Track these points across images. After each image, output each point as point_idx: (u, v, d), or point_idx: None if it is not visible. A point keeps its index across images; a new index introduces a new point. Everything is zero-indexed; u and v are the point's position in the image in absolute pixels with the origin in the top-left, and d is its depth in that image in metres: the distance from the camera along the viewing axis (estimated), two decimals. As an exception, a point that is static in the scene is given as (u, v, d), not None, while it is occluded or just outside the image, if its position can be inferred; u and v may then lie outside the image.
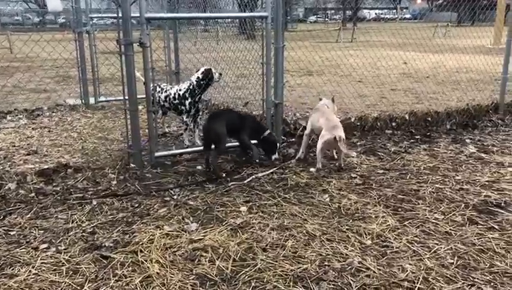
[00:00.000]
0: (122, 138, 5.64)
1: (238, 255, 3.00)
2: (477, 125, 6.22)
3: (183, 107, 5.24)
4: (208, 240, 3.18)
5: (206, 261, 2.95)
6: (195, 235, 3.27)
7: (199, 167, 4.68)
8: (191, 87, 5.18)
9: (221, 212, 3.66)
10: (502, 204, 3.76)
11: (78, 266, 2.91)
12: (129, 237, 3.28)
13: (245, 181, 4.30)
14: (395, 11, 60.13)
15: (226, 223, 3.45)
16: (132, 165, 4.59)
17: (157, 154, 4.77)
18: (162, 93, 5.38)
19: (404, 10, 64.55)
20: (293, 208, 3.72)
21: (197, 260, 2.96)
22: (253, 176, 4.40)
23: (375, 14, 59.60)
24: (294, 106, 7.42)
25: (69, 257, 3.01)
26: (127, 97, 4.56)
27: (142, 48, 4.41)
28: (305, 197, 3.94)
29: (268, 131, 4.90)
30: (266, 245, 3.13)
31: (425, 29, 19.24)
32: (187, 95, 5.19)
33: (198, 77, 5.16)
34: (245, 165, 4.74)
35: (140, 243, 3.17)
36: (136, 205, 3.80)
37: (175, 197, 3.95)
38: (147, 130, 4.88)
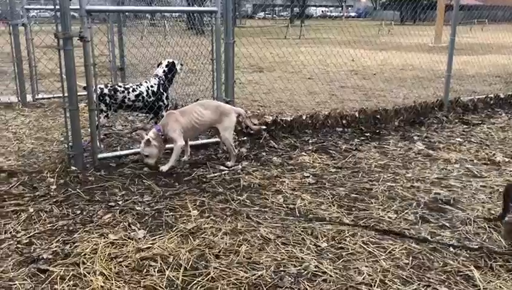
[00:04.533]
0: (62, 139, 5.28)
1: (190, 264, 2.83)
2: (423, 122, 6.36)
3: (161, 103, 5.21)
4: (157, 248, 2.99)
5: (155, 271, 2.76)
6: (143, 243, 3.07)
7: (146, 169, 4.44)
8: (161, 81, 5.18)
9: (171, 217, 3.46)
10: (451, 201, 3.81)
11: (11, 283, 2.63)
12: (70, 247, 3.02)
13: (196, 183, 4.13)
14: (340, 9, 61.48)
15: (176, 229, 3.27)
16: (73, 168, 4.29)
17: (100, 155, 4.48)
18: (127, 92, 5.08)
19: (350, 8, 66.14)
20: (246, 210, 3.59)
21: (145, 270, 2.76)
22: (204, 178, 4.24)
23: (322, 11, 60.65)
24: (245, 103, 7.29)
25: (1, 272, 2.73)
26: (66, 94, 4.24)
27: (83, 42, 4.11)
28: (258, 199, 3.82)
29: None
30: (219, 251, 2.98)
31: (370, 27, 19.76)
32: (162, 90, 5.18)
33: (164, 70, 5.21)
34: (196, 166, 4.56)
35: (83, 253, 2.93)
36: (78, 212, 3.53)
37: (120, 202, 3.70)
38: (89, 130, 4.58)
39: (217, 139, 5.07)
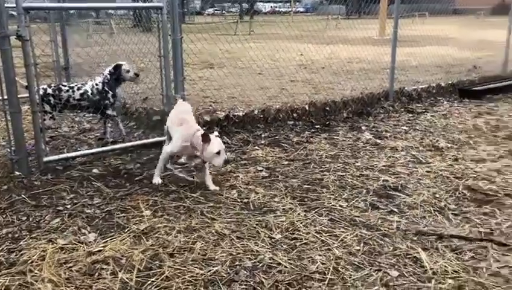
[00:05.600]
0: (4, 143, 5.03)
1: (143, 264, 2.79)
2: (371, 112, 6.56)
3: (107, 101, 5.03)
4: (109, 251, 2.92)
5: (107, 274, 2.69)
6: (94, 246, 2.98)
7: (96, 171, 4.32)
8: (105, 80, 5.02)
9: (123, 218, 3.39)
10: (399, 187, 3.96)
11: (-49, 297, 2.49)
12: (16, 255, 2.89)
13: (148, 182, 4.05)
14: (289, 4, 62.09)
15: (128, 230, 3.20)
16: (17, 173, 4.10)
17: (46, 159, 4.31)
18: (72, 91, 4.90)
19: (298, 4, 66.93)
20: (200, 207, 3.57)
21: (97, 274, 2.69)
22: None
23: (271, 7, 61.03)
24: (196, 100, 7.23)
25: None
26: (6, 97, 4.04)
27: (21, 41, 3.93)
28: (212, 195, 3.80)
29: None
30: (173, 250, 2.95)
31: (317, 22, 20.09)
32: (107, 88, 5.01)
33: (110, 71, 5.06)
34: (147, 165, 4.47)
35: (30, 261, 2.81)
36: (24, 218, 3.38)
37: (69, 206, 3.58)
38: (33, 133, 4.38)
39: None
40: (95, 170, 4.33)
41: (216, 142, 3.72)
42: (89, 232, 3.16)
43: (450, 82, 8.26)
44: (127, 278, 2.65)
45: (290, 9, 53.03)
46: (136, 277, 2.66)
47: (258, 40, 14.55)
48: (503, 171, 4.30)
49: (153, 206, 3.59)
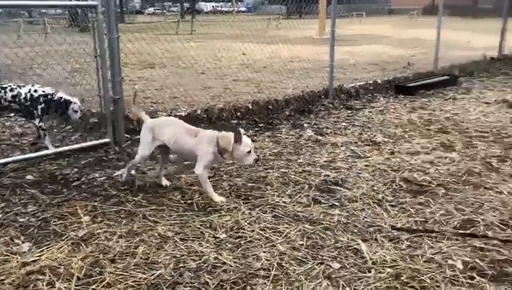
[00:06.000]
0: None
1: (83, 272, 2.68)
2: (312, 110, 6.70)
3: (35, 111, 4.64)
4: (45, 260, 2.78)
5: (43, 285, 2.56)
6: (29, 256, 2.83)
7: (30, 177, 4.10)
8: (47, 95, 4.66)
9: (60, 225, 3.24)
10: (339, 182, 4.06)
11: None
12: None
13: (87, 187, 3.91)
14: (230, 3, 62.11)
15: (66, 238, 3.06)
16: None
17: (-27, 167, 4.04)
18: (4, 92, 4.53)
19: (240, 3, 67.15)
20: (142, 210, 3.48)
21: (32, 285, 2.55)
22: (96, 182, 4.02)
23: (212, 6, 60.85)
24: (136, 101, 7.04)
25: None
26: None
27: None
28: (155, 197, 3.73)
29: None
30: (114, 255, 2.85)
31: (259, 22, 20.25)
32: (41, 100, 4.63)
33: (58, 99, 4.70)
34: (85, 170, 4.31)
35: (-44, 277, 2.62)
36: (-51, 231, 3.15)
37: (0, 215, 3.37)
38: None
39: (106, 140, 4.87)
40: (29, 177, 4.12)
41: (247, 142, 3.59)
42: (23, 242, 3.00)
43: (386, 79, 8.61)
44: (65, 288, 2.53)
45: (231, 9, 53.06)
46: (75, 286, 2.55)
47: (200, 39, 14.46)
48: (436, 162, 4.53)
49: (92, 211, 3.46)
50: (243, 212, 3.45)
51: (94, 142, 4.87)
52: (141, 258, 2.83)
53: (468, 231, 3.16)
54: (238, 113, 6.12)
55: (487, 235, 3.09)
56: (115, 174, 4.18)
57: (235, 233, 3.15)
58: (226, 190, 3.89)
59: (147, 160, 3.94)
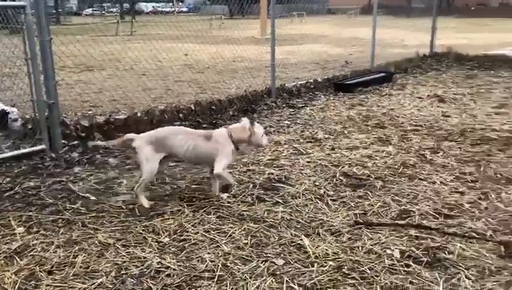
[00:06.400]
0: None
1: (17, 287, 2.54)
2: (255, 109, 6.75)
3: None
4: (-25, 277, 2.61)
5: (-27, 303, 2.41)
6: (-44, 274, 2.65)
7: (-44, 189, 3.84)
8: None
9: (-9, 239, 3.06)
10: (283, 179, 4.12)
11: None
12: None
13: (21, 197, 3.71)
14: (171, 4, 61.26)
15: (-2, 252, 2.90)
16: None
17: None
18: None
19: (181, 4, 66.37)
20: (81, 218, 3.36)
21: (-40, 305, 2.40)
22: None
23: (153, 7, 59.73)
24: (74, 105, 6.81)
25: None
26: None
27: None
28: (94, 204, 3.60)
29: None
30: (52, 267, 2.73)
31: (201, 22, 20.13)
32: None
33: None
34: (19, 179, 4.10)
35: None
36: None
37: None
38: None
39: (42, 147, 4.65)
40: (-45, 189, 3.86)
41: (257, 125, 3.77)
42: (-51, 260, 2.80)
43: (326, 77, 8.83)
44: (-3, 305, 2.40)
45: (172, 9, 52.37)
46: (8, 302, 2.42)
47: (140, 40, 14.15)
48: (374, 156, 4.70)
49: (26, 222, 3.29)
50: (187, 215, 3.41)
51: (28, 149, 4.64)
52: (81, 267, 2.73)
53: (404, 221, 3.31)
54: (181, 115, 6.05)
55: (421, 225, 3.24)
56: (137, 206, 3.61)
57: (178, 236, 3.11)
58: (169, 193, 3.83)
59: (155, 173, 3.63)
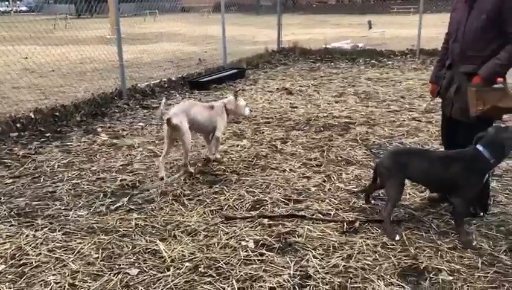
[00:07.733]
0: None
1: None
2: (106, 112, 6.38)
3: None
4: None
5: None
6: None
7: None
8: None
9: None
10: (137, 184, 3.96)
11: None
12: None
13: None
14: (7, 3, 55.17)
15: None
16: None
17: None
18: None
19: (19, 2, 60.09)
20: None
21: None
22: None
23: (-15, 6, 53.07)
24: None
25: None
26: None
27: None
28: None
29: None
30: None
31: (44, 22, 18.46)
32: None
33: None
34: None
35: None
36: None
37: None
38: None
39: None
40: None
41: (241, 99, 4.56)
42: None
43: (181, 76, 8.76)
44: None
45: (10, 9, 47.14)
46: None
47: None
48: (230, 151, 4.79)
49: None
50: (27, 236, 3.07)
51: None
52: None
53: (258, 211, 3.41)
54: (18, 125, 5.44)
55: (273, 213, 3.38)
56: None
57: (17, 261, 2.78)
58: (3, 214, 3.40)
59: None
